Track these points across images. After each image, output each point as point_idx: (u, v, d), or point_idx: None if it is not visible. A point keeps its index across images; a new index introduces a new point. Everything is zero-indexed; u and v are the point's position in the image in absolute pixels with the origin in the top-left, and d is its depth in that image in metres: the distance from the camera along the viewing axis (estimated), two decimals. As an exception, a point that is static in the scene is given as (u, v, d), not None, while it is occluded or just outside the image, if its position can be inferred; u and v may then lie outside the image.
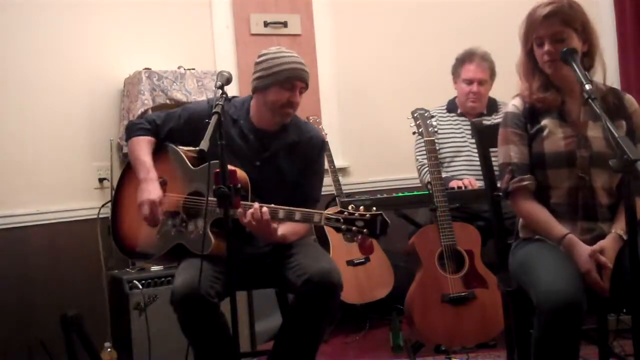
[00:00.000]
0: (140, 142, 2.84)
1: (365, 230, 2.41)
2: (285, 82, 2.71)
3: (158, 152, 2.85)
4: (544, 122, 2.40)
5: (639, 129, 2.40)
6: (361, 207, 2.44)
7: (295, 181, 2.83)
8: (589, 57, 2.39)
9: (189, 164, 2.78)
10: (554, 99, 2.40)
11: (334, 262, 2.69)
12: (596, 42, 2.39)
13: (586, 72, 2.23)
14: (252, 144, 2.81)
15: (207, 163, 2.49)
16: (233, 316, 2.24)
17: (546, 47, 2.33)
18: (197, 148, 2.20)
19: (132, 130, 2.89)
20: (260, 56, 2.79)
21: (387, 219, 2.42)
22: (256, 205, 2.53)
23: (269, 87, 2.73)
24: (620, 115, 2.38)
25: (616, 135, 1.93)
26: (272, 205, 2.56)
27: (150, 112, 3.63)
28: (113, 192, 3.03)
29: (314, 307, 2.56)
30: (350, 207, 2.45)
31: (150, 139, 2.85)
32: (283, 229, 2.66)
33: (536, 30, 2.35)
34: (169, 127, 2.86)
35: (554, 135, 2.38)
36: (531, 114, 2.44)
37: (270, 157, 2.81)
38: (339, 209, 2.48)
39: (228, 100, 2.51)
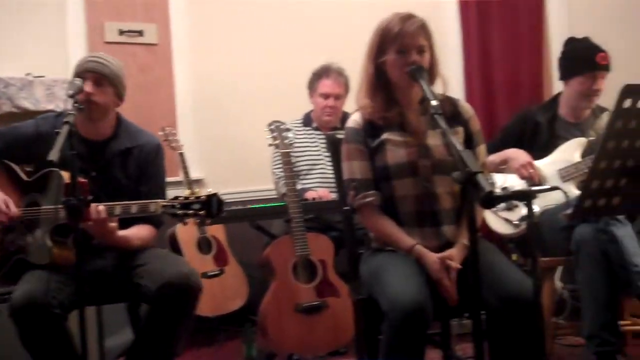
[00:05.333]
0: None
1: (202, 212, 2.47)
2: (77, 77, 2.67)
3: None
4: (385, 135, 2.47)
5: (476, 134, 2.55)
6: (196, 190, 2.52)
7: (133, 189, 2.78)
8: (433, 70, 2.49)
9: (23, 175, 2.72)
10: (396, 115, 2.49)
11: (190, 265, 2.68)
12: (438, 57, 2.51)
13: (433, 88, 2.35)
14: (83, 156, 2.74)
15: (41, 172, 2.60)
16: (82, 332, 2.17)
17: (413, 57, 2.39)
18: (48, 159, 2.14)
19: None
20: None
21: (222, 198, 2.50)
22: (92, 204, 2.49)
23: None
24: (457, 122, 2.50)
25: (458, 149, 2.03)
26: (109, 203, 2.53)
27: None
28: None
29: (172, 312, 2.52)
30: (186, 192, 2.51)
31: None
32: (125, 232, 2.66)
33: (400, 40, 2.40)
34: None
35: (395, 147, 2.45)
36: (371, 129, 2.50)
37: (105, 166, 2.78)
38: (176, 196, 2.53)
39: (81, 109, 2.45)
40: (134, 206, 2.54)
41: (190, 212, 2.47)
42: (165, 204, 2.50)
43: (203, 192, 2.50)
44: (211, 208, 2.47)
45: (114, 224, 2.55)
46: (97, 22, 4.34)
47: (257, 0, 4.70)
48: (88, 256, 2.59)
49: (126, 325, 3.22)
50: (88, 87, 2.67)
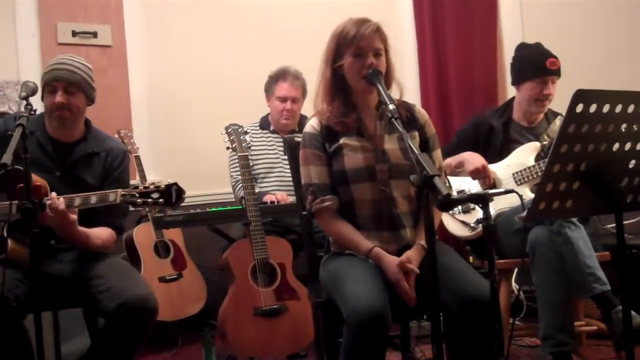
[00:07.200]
0: None
1: (161, 200, 2.50)
2: (46, 86, 2.70)
3: None
4: (343, 139, 2.50)
5: (431, 138, 2.59)
6: (157, 180, 2.55)
7: (98, 190, 2.74)
8: (389, 75, 2.52)
9: None
10: (353, 120, 2.51)
11: (148, 286, 2.67)
12: (393, 62, 2.54)
13: (389, 93, 2.38)
14: (50, 155, 2.76)
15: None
16: (38, 336, 2.14)
17: (370, 60, 2.42)
18: (1, 162, 2.11)
19: None
20: None
21: (182, 187, 2.53)
22: (53, 194, 2.48)
23: (42, 95, 2.71)
24: (412, 127, 2.54)
25: (416, 152, 2.06)
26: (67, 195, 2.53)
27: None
28: None
29: (127, 333, 2.51)
30: (146, 183, 2.55)
31: None
32: (86, 229, 2.65)
33: (357, 44, 2.43)
34: None
35: (353, 152, 2.48)
36: (329, 133, 2.52)
37: (70, 167, 2.77)
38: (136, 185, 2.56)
39: (34, 112, 2.42)
40: (94, 197, 2.54)
41: (150, 200, 2.50)
42: (124, 193, 2.52)
43: (163, 182, 2.52)
44: (170, 197, 2.50)
45: (74, 216, 2.53)
46: (49, 22, 4.27)
47: (212, 2, 4.69)
48: (44, 257, 2.56)
49: (83, 331, 3.18)
50: (59, 97, 2.67)
